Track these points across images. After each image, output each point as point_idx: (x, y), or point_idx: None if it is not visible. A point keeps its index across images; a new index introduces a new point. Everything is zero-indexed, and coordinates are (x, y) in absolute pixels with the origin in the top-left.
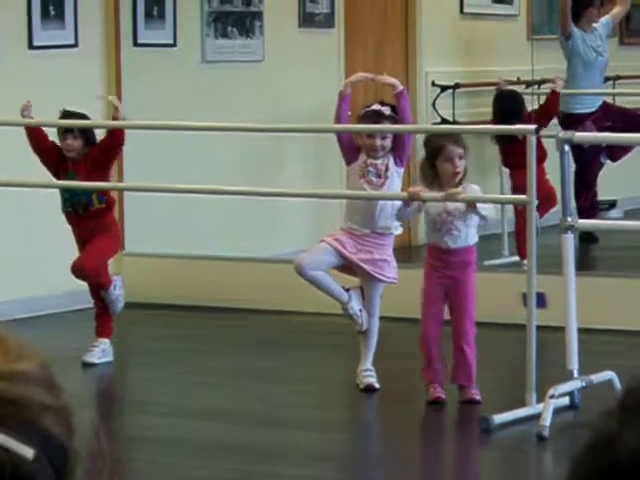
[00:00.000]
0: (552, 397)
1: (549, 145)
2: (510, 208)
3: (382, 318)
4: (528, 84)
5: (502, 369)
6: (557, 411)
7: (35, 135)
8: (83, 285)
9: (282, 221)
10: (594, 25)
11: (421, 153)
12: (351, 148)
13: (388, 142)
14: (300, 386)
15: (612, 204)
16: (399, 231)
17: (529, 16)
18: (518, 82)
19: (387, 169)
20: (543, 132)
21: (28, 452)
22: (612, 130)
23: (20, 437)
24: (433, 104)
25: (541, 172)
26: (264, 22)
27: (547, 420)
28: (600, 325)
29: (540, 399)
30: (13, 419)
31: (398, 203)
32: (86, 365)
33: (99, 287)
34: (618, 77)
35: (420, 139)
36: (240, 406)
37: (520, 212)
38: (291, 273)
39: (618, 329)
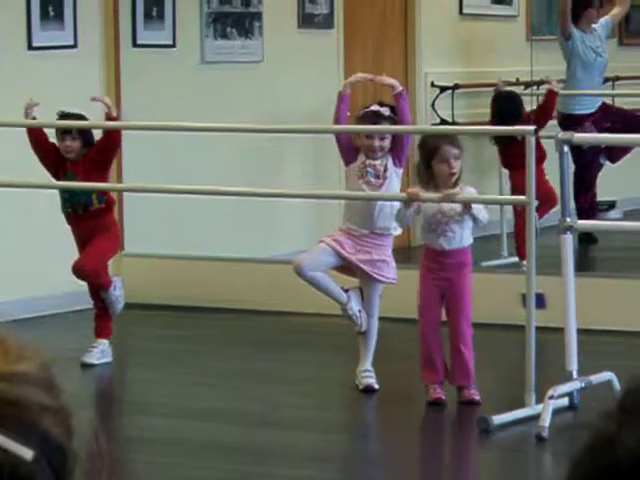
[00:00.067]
0: (551, 398)
1: (548, 146)
2: (509, 209)
3: (381, 319)
4: (527, 85)
5: (501, 370)
6: (556, 412)
7: (36, 136)
8: (83, 286)
9: (281, 222)
10: (593, 26)
11: None
12: (350, 149)
13: (387, 143)
14: (299, 387)
15: (611, 205)
16: (398, 232)
17: (528, 17)
18: (517, 83)
19: (386, 170)
20: (542, 133)
21: (27, 453)
22: (611, 131)
23: (19, 438)
24: (432, 105)
25: (540, 173)
26: (263, 23)
27: (546, 421)
28: (599, 326)
29: (539, 400)
30: (12, 420)
31: (397, 204)
32: (85, 366)
33: (99, 288)
34: (617, 78)
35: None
36: (239, 407)
37: (519, 213)
38: (290, 274)
39: (617, 330)
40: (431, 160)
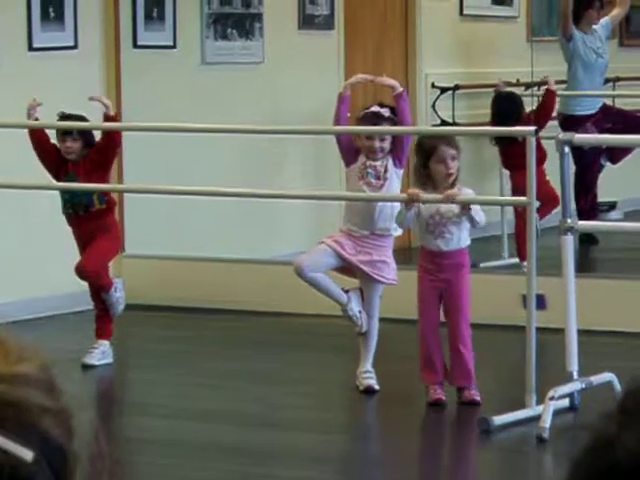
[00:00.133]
0: (552, 399)
1: (549, 147)
2: (510, 210)
3: (382, 319)
4: (527, 86)
5: (502, 370)
6: (557, 413)
7: (38, 137)
8: (83, 287)
9: (281, 223)
10: (594, 27)
11: None
12: (350, 150)
13: (387, 144)
14: (299, 388)
15: (612, 206)
16: (398, 232)
17: (529, 18)
18: (517, 84)
19: (386, 171)
20: (543, 133)
21: (27, 454)
22: (612, 132)
23: (19, 439)
24: (433, 106)
25: (541, 174)
26: (264, 24)
27: (547, 422)
28: (600, 327)
29: (540, 401)
30: (12, 421)
31: (397, 205)
32: (86, 367)
33: (100, 289)
34: (618, 79)
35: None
36: (239, 408)
37: (520, 214)
38: (290, 275)
39: (618, 331)
40: (428, 160)
